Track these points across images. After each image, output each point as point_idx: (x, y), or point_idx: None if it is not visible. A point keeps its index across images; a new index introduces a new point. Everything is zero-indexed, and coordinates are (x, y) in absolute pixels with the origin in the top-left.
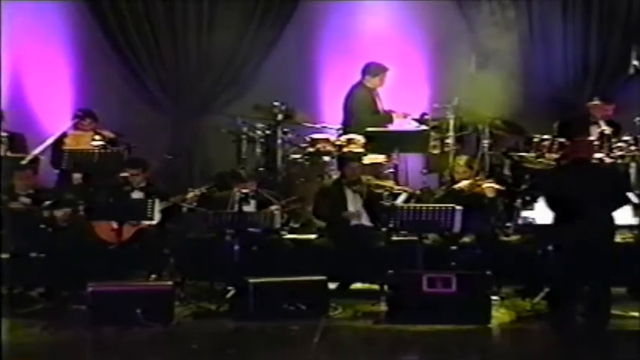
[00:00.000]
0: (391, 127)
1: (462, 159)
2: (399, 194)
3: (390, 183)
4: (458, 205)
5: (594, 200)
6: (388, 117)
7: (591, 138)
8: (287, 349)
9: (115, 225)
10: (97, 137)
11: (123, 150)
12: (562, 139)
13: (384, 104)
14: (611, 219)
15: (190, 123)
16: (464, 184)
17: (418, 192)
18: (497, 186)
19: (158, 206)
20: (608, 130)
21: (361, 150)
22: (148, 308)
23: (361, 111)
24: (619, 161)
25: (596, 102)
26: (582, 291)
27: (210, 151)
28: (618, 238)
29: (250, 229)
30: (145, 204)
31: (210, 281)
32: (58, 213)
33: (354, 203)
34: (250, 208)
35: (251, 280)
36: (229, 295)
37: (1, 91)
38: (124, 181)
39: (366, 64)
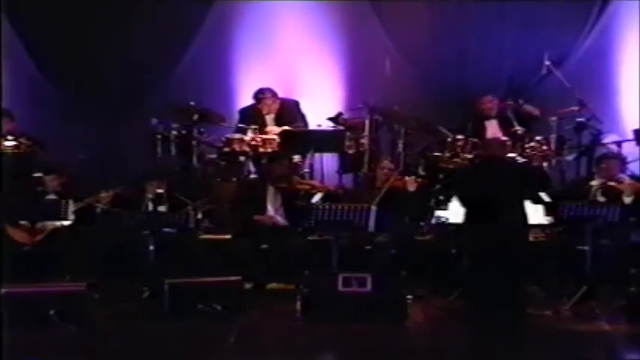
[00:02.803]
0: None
1: (387, 158)
2: (314, 194)
3: (313, 182)
4: (385, 201)
5: (507, 198)
6: None
7: (503, 137)
8: (203, 350)
9: (28, 226)
10: (10, 137)
11: (37, 150)
12: (475, 139)
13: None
14: (524, 218)
15: (105, 123)
16: (387, 181)
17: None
18: (417, 180)
19: (72, 207)
20: (520, 130)
21: (277, 150)
22: (63, 309)
23: None
24: (531, 161)
25: (488, 98)
26: (497, 289)
27: (125, 151)
28: (531, 238)
29: (165, 230)
30: (59, 204)
31: (125, 282)
32: None
33: (273, 203)
34: (163, 208)
35: (166, 281)
36: (145, 295)
37: None
38: (38, 182)
39: None
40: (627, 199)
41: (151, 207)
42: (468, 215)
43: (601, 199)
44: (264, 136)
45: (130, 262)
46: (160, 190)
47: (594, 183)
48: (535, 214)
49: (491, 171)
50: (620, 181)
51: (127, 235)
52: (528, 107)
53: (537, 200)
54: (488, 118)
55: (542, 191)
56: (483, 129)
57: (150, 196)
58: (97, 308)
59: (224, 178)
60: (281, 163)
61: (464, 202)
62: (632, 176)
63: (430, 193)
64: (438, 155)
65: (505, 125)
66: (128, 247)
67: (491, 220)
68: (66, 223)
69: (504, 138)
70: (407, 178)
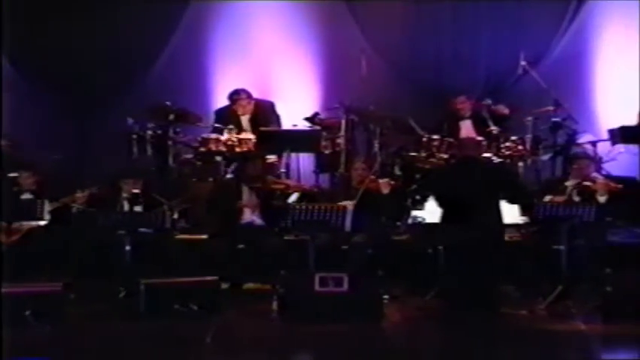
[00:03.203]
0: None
1: (361, 158)
2: (291, 194)
3: (288, 182)
4: (360, 202)
5: (482, 198)
6: None
7: (479, 138)
8: (179, 350)
9: (5, 225)
10: None
11: (9, 149)
12: (451, 139)
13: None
14: (500, 217)
15: (80, 122)
16: (362, 181)
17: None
18: (391, 182)
19: (48, 207)
20: (495, 130)
21: (253, 149)
22: (38, 310)
23: None
24: (507, 161)
25: (462, 98)
26: (473, 289)
27: (100, 150)
28: (506, 237)
29: (141, 230)
30: (35, 204)
31: (101, 282)
32: None
33: (248, 202)
34: (139, 208)
35: (142, 281)
36: (120, 295)
37: None
38: (13, 181)
39: None
40: (601, 199)
41: (126, 207)
42: (444, 215)
43: (576, 198)
44: (240, 136)
45: (106, 262)
46: (135, 190)
47: (569, 183)
48: (511, 214)
49: (466, 171)
50: (593, 181)
51: (102, 235)
52: (498, 107)
53: (517, 200)
54: (463, 118)
55: (518, 191)
56: (458, 129)
57: (125, 195)
58: (73, 308)
59: (200, 178)
60: (254, 163)
61: (440, 202)
62: (608, 176)
63: (406, 193)
64: (413, 155)
65: (480, 125)
66: (104, 247)
67: (466, 220)
68: (42, 223)
69: (479, 138)
70: (381, 180)
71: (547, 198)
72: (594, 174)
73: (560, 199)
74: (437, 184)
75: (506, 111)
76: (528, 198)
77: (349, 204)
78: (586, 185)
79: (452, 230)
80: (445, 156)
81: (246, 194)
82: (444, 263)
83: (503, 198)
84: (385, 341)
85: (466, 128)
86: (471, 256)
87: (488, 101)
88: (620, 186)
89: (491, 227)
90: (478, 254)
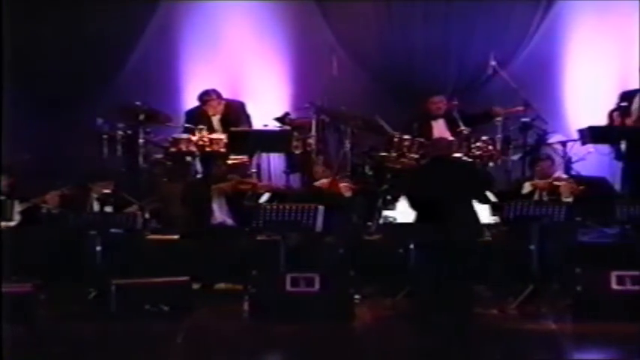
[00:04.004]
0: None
1: (320, 159)
2: (262, 194)
3: (256, 181)
4: (319, 204)
5: (455, 198)
6: None
7: (450, 137)
8: (150, 350)
9: None
10: None
11: None
12: (422, 139)
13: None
14: (475, 217)
15: (51, 123)
16: (323, 182)
17: (280, 188)
18: (352, 185)
19: (18, 207)
20: (466, 130)
21: (224, 150)
22: (9, 311)
23: None
24: (477, 161)
25: (438, 98)
26: (443, 289)
27: (71, 151)
28: None
29: (112, 230)
30: (5, 205)
31: (72, 283)
32: None
33: (219, 203)
34: (110, 208)
35: (113, 281)
36: (91, 296)
37: None
38: None
39: None
40: (568, 200)
41: (97, 207)
42: (418, 215)
43: (545, 198)
44: (211, 136)
45: (77, 263)
46: (106, 191)
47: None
48: (481, 214)
49: (438, 171)
50: (557, 181)
51: (73, 236)
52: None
53: (484, 200)
54: (436, 117)
55: (488, 191)
56: (430, 129)
57: (96, 196)
58: (44, 309)
59: (171, 178)
60: (219, 164)
61: (412, 203)
62: (577, 176)
63: (377, 193)
64: (384, 155)
65: (451, 125)
66: (75, 247)
67: (440, 220)
68: (11, 223)
69: (451, 138)
70: (342, 184)
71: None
72: (558, 174)
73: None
74: (409, 185)
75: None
76: (489, 200)
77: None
78: (550, 185)
79: (422, 230)
80: (416, 156)
81: (215, 195)
82: (414, 263)
83: (475, 198)
84: (356, 341)
85: (439, 128)
86: (442, 256)
87: (455, 102)
88: (582, 187)
89: (465, 227)
90: (449, 254)
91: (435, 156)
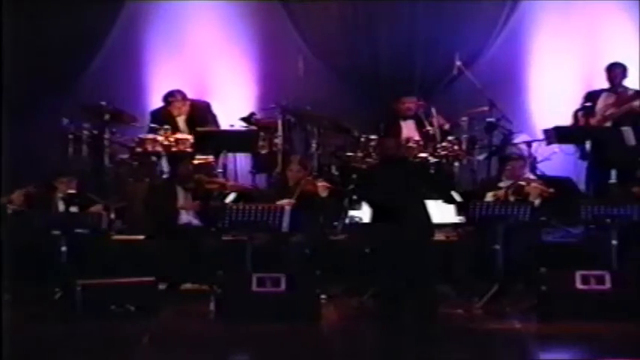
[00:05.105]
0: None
1: (296, 158)
2: (228, 194)
3: (222, 181)
4: (298, 203)
5: (406, 198)
6: None
7: (416, 137)
8: (116, 351)
9: None
10: None
11: None
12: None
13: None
14: (427, 217)
15: (16, 122)
16: (298, 181)
17: (247, 188)
18: (328, 184)
19: None
20: (432, 130)
21: (190, 150)
22: None
23: None
24: (443, 161)
25: (410, 98)
26: (408, 289)
27: (36, 151)
28: (442, 237)
29: (77, 230)
30: None
31: (37, 283)
32: None
33: (184, 203)
34: (75, 209)
35: (79, 282)
36: (56, 296)
37: None
38: None
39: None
40: (535, 202)
41: (62, 207)
42: (372, 216)
43: (511, 198)
44: (177, 136)
45: (42, 263)
46: (71, 191)
47: (503, 184)
48: (447, 214)
49: (387, 171)
50: (527, 182)
51: (38, 236)
52: (439, 118)
53: (449, 200)
54: (405, 118)
55: (447, 190)
56: (399, 129)
57: (61, 196)
58: (8, 310)
59: (136, 178)
60: (185, 164)
61: (369, 203)
62: (542, 176)
63: (343, 193)
64: (350, 155)
65: (418, 125)
66: (39, 247)
67: (393, 220)
68: None
69: (417, 138)
70: (319, 183)
71: (490, 194)
72: (528, 174)
73: (500, 192)
74: (363, 185)
75: (447, 126)
76: (448, 196)
77: (286, 202)
78: (520, 185)
79: (383, 230)
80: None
81: (181, 195)
82: (379, 263)
83: (425, 198)
84: (322, 341)
85: (408, 128)
86: (402, 256)
87: (422, 102)
88: (552, 190)
89: (418, 227)
90: (409, 254)
91: (384, 156)
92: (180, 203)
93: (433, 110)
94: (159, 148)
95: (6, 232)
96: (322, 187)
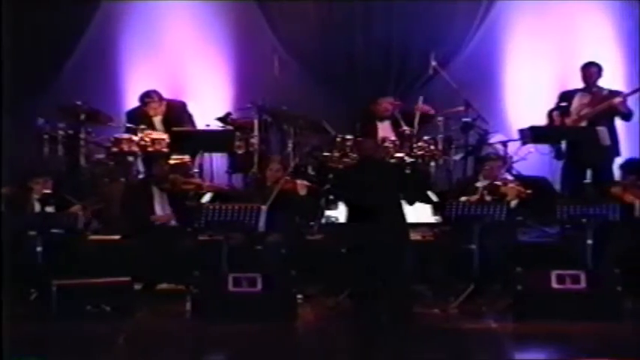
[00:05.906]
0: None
1: (276, 158)
2: (204, 194)
3: (199, 181)
4: (275, 202)
5: (382, 198)
6: None
7: (392, 137)
8: (91, 351)
9: None
10: None
11: None
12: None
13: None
14: (402, 217)
15: None
16: (277, 181)
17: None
18: (307, 183)
19: None
20: (408, 130)
21: (166, 150)
22: None
23: None
24: (419, 161)
25: (389, 99)
26: (384, 289)
27: (10, 151)
28: (418, 237)
29: (53, 230)
30: None
31: (12, 284)
32: None
33: (161, 202)
34: (51, 209)
35: (54, 282)
36: (32, 297)
37: None
38: None
39: None
40: (512, 203)
41: (38, 207)
42: (348, 215)
43: (488, 198)
44: (153, 136)
45: (17, 264)
46: (46, 191)
47: (479, 184)
48: (423, 213)
49: (364, 172)
50: (505, 182)
51: (13, 236)
52: (423, 106)
53: (425, 200)
54: (382, 119)
55: (422, 191)
56: (375, 129)
57: (37, 196)
58: None
59: (112, 178)
60: (161, 164)
61: (345, 203)
62: (518, 176)
63: (320, 193)
64: (327, 155)
65: (395, 126)
66: (15, 248)
67: (368, 220)
68: None
69: (393, 138)
70: (298, 181)
71: (463, 199)
72: (505, 174)
73: (473, 198)
74: (339, 185)
75: (432, 111)
76: (424, 196)
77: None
78: (497, 185)
79: (359, 230)
80: (357, 156)
81: (157, 195)
82: (355, 263)
83: (401, 199)
84: (298, 341)
85: (384, 129)
86: (378, 256)
87: (398, 102)
88: (529, 192)
89: (394, 227)
90: (384, 254)
91: (361, 157)
92: (156, 204)
93: (420, 98)
94: (135, 148)
95: None
96: (301, 185)
